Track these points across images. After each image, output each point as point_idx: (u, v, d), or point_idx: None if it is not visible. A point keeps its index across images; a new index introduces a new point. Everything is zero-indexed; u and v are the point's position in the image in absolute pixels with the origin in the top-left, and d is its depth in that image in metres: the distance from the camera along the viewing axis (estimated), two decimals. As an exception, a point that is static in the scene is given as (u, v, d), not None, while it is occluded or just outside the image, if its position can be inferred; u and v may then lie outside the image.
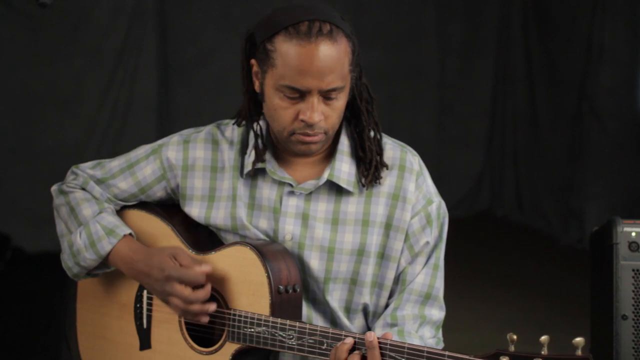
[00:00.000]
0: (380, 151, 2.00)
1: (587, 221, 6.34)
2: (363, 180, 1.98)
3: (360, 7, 6.74)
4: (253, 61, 1.93)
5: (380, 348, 1.78)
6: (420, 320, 1.98)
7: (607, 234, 2.48)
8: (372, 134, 2.00)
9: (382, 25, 7.06)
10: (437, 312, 2.02)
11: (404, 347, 1.77)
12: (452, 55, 7.58)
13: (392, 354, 1.77)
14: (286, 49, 1.85)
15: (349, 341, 1.81)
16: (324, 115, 1.89)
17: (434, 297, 2.01)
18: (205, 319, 1.96)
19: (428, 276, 2.01)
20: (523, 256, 6.43)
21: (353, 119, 2.02)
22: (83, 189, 2.12)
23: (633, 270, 2.46)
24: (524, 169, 7.41)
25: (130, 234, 2.06)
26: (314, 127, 1.88)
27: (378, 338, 1.79)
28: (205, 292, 1.94)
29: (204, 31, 6.56)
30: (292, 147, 1.94)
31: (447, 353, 1.74)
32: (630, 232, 2.46)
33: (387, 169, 2.00)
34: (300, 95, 1.87)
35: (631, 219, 2.49)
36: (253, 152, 2.00)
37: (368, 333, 1.79)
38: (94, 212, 2.07)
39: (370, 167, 1.97)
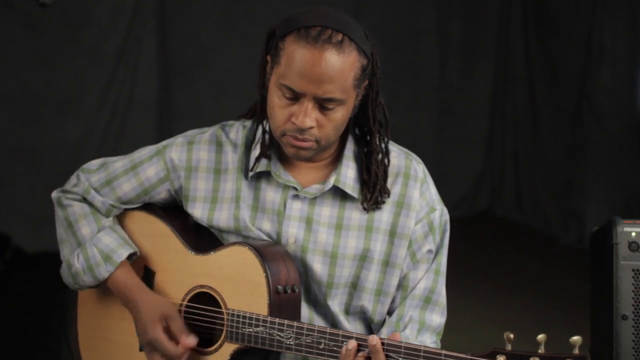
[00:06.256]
0: (385, 177, 1.99)
1: (587, 221, 6.33)
2: (365, 204, 1.97)
3: (360, 7, 6.72)
4: (268, 57, 1.93)
5: (385, 350, 1.78)
6: (419, 326, 1.98)
7: (607, 234, 2.48)
8: (379, 156, 1.99)
9: (382, 25, 7.05)
10: (438, 318, 2.01)
11: (400, 347, 1.78)
12: (452, 55, 7.57)
13: (391, 354, 1.78)
14: (292, 49, 1.84)
15: (352, 345, 1.81)
16: (318, 123, 1.87)
17: (434, 301, 2.01)
18: None
19: (430, 281, 2.01)
20: (523, 256, 6.42)
21: (363, 138, 2.00)
22: (84, 197, 2.10)
23: (633, 270, 2.46)
24: (524, 169, 7.41)
25: (130, 254, 2.07)
26: (304, 132, 1.87)
27: (381, 339, 1.79)
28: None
29: (204, 31, 6.56)
30: (284, 148, 1.94)
31: (443, 352, 1.75)
32: (630, 232, 2.46)
33: (389, 196, 1.99)
34: (296, 97, 1.86)
35: (631, 219, 2.49)
36: (258, 146, 2.00)
37: (371, 337, 1.79)
38: (92, 231, 2.07)
39: (373, 192, 1.97)
